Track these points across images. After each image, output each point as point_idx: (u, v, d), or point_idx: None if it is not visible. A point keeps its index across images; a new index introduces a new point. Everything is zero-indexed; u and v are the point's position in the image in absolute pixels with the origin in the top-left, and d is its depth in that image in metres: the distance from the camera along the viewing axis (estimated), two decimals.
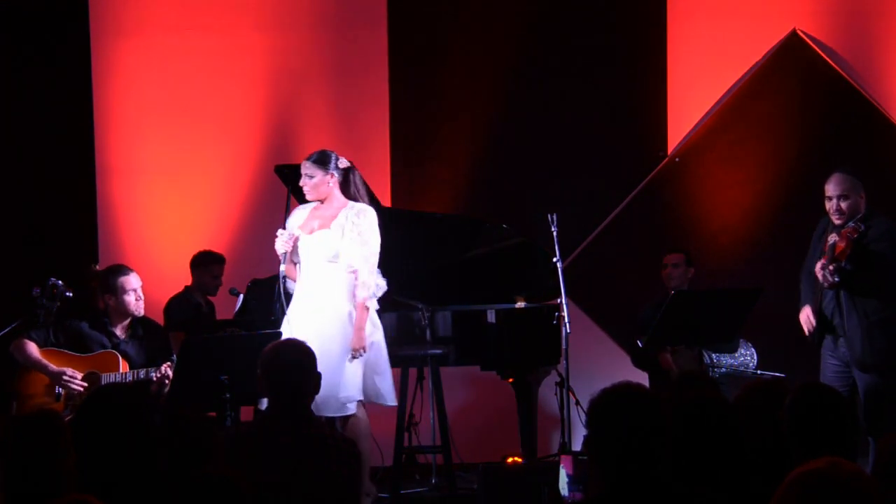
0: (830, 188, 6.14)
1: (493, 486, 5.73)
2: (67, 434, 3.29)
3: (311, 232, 6.08)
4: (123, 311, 6.26)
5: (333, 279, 6.03)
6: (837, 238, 5.96)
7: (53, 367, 6.10)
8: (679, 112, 8.29)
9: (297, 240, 6.09)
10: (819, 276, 5.97)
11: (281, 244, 6.09)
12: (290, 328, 5.95)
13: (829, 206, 6.14)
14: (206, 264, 7.84)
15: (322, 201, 6.12)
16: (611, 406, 3.06)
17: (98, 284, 6.41)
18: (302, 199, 7.09)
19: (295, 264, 6.14)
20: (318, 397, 5.49)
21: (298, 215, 6.20)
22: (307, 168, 6.12)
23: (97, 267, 6.70)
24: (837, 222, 6.10)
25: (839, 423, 3.60)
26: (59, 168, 8.50)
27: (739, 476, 3.37)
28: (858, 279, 5.93)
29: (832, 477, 2.44)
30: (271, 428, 3.97)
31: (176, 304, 7.74)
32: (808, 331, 6.23)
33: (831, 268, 5.88)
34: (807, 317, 6.24)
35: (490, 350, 6.61)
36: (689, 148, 8.25)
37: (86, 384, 6.05)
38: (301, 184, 6.12)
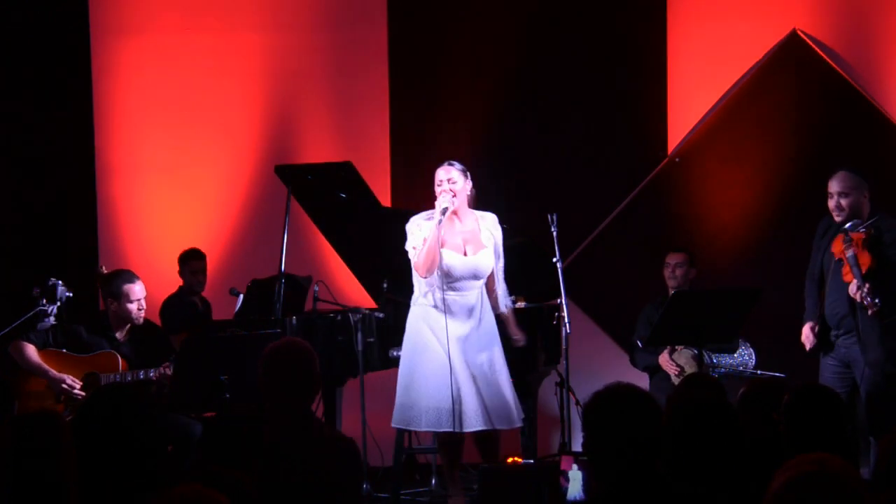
0: (833, 185, 6.14)
1: (493, 486, 5.72)
2: (68, 434, 3.29)
3: (464, 251, 6.02)
4: (125, 318, 6.28)
5: (483, 295, 6.10)
6: (855, 248, 5.90)
7: (54, 372, 6.10)
8: (679, 112, 8.29)
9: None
10: (857, 299, 5.86)
11: (447, 200, 5.94)
12: (455, 351, 5.93)
13: (831, 203, 6.14)
14: (184, 262, 7.84)
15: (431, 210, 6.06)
16: (603, 408, 3.06)
17: (102, 287, 6.42)
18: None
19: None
20: (497, 412, 5.91)
21: (426, 226, 5.99)
22: (451, 173, 6.05)
23: (104, 269, 6.70)
24: (838, 219, 6.10)
25: (836, 423, 3.61)
26: (59, 168, 8.50)
27: (739, 476, 3.37)
28: (891, 296, 5.86)
29: (823, 474, 2.45)
30: (271, 428, 3.97)
31: (170, 306, 7.74)
32: (809, 348, 6.22)
33: (867, 288, 5.80)
34: (807, 335, 6.22)
35: None
36: (689, 148, 8.25)
37: (84, 394, 6.06)
38: (444, 190, 5.99)
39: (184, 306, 7.72)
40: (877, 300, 5.79)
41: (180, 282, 7.86)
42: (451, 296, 5.99)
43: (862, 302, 5.84)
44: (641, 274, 7.85)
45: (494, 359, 6.05)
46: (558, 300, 6.49)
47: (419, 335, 6.00)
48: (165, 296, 7.79)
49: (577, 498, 5.05)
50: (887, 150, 8.04)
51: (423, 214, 6.09)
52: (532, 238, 6.92)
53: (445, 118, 8.40)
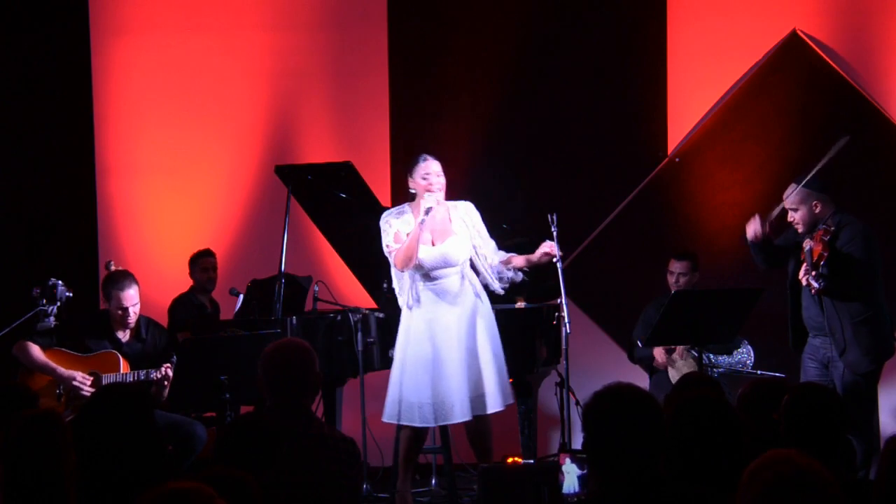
0: (785, 200, 6.23)
1: (493, 487, 5.73)
2: (68, 434, 3.29)
3: (432, 242, 6.08)
4: (115, 320, 6.32)
5: (466, 281, 6.13)
6: (812, 243, 6.02)
7: (62, 370, 6.12)
8: (679, 112, 8.29)
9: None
10: (804, 282, 6.01)
11: (433, 200, 6.00)
12: (441, 343, 6.03)
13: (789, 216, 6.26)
14: (194, 260, 7.90)
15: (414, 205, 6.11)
16: (603, 408, 3.06)
17: (102, 285, 6.48)
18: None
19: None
20: (482, 400, 5.96)
21: (406, 220, 6.10)
22: (439, 167, 6.13)
23: (113, 266, 6.72)
24: (800, 231, 6.17)
25: (835, 423, 3.61)
26: (59, 167, 8.51)
27: (739, 476, 3.37)
28: (839, 282, 5.97)
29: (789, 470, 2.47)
30: (271, 428, 3.96)
31: (179, 305, 7.76)
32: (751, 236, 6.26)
33: (814, 273, 5.92)
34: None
35: None
36: (689, 148, 8.25)
37: (92, 391, 6.07)
38: (436, 184, 6.06)
39: (193, 307, 7.74)
40: (821, 283, 5.89)
41: (182, 282, 7.87)
42: (431, 285, 6.07)
43: (808, 286, 5.96)
44: (641, 274, 7.85)
45: (479, 341, 6.09)
46: (558, 300, 6.50)
47: (406, 332, 6.10)
48: (165, 296, 7.80)
49: (573, 492, 5.06)
50: (887, 150, 8.03)
51: (394, 211, 6.18)
52: (532, 238, 6.92)
53: (445, 118, 8.40)
